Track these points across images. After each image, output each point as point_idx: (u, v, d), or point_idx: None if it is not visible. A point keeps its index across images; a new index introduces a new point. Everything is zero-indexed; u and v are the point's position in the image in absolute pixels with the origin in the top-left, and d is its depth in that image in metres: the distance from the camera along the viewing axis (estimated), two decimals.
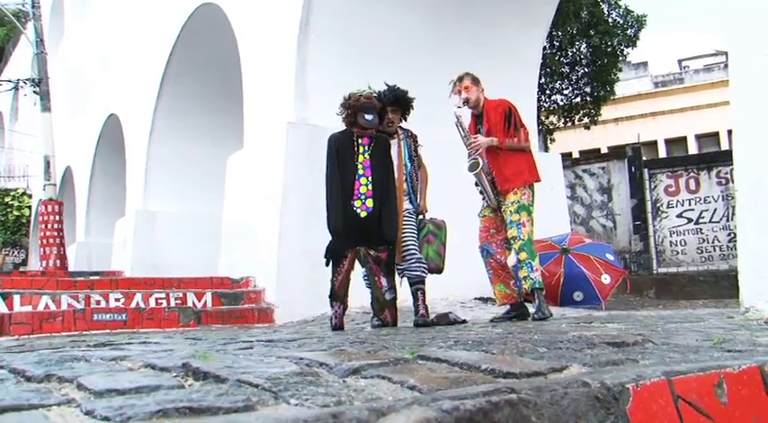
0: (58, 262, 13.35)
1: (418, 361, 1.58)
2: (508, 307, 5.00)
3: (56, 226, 13.53)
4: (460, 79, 5.02)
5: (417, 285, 4.87)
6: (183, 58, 11.74)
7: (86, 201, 17.00)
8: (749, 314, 3.28)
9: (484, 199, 5.03)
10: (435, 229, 5.02)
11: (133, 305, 6.44)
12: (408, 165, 5.04)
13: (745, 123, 3.57)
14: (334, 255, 4.68)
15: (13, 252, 24.32)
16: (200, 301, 7.03)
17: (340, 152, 4.72)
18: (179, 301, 6.83)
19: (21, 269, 20.89)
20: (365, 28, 8.19)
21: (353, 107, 4.72)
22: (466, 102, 4.97)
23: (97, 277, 10.04)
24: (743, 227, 3.50)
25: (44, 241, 13.70)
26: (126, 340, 3.77)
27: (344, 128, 4.87)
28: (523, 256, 4.71)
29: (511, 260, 4.86)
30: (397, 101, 5.02)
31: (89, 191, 16.86)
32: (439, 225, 5.05)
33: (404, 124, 5.25)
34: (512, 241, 4.76)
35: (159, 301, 6.68)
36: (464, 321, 4.92)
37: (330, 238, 4.72)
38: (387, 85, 5.06)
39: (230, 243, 8.81)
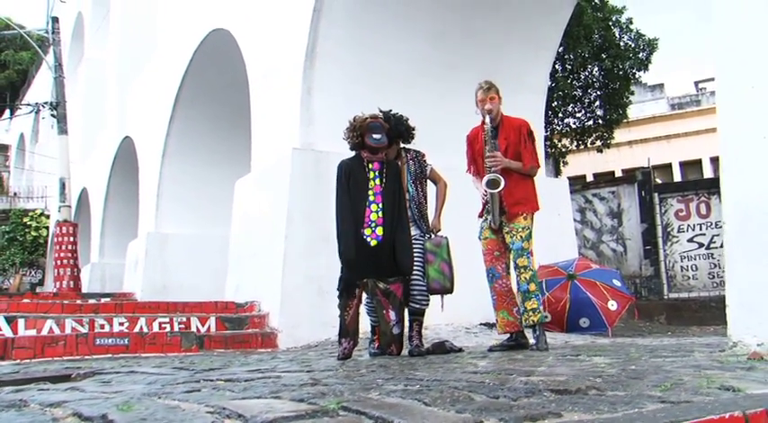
0: (71, 283, 13.52)
1: (339, 413, 1.61)
2: (508, 335, 4.91)
3: (70, 247, 13.72)
4: (488, 89, 4.85)
5: (416, 317, 4.81)
6: (195, 82, 11.93)
7: (101, 222, 17.23)
8: (737, 349, 3.25)
9: (485, 220, 4.92)
10: (434, 248, 4.85)
11: (137, 329, 6.49)
12: (411, 190, 4.95)
13: (731, 153, 3.56)
14: (348, 286, 4.55)
15: (31, 272, 24.63)
16: (203, 325, 7.07)
17: (350, 178, 4.62)
18: (183, 326, 6.88)
19: (37, 289, 21.14)
20: (370, 55, 8.28)
21: (360, 128, 4.65)
22: (489, 113, 4.80)
23: (108, 299, 10.17)
24: (731, 258, 3.47)
25: (58, 262, 13.89)
26: (119, 367, 3.82)
27: (353, 154, 4.79)
28: (533, 287, 4.64)
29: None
30: (394, 128, 4.87)
31: (104, 212, 17.09)
32: (438, 243, 4.89)
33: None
34: (521, 270, 4.64)
35: (163, 325, 6.73)
36: (460, 350, 4.89)
37: (342, 267, 4.59)
38: (381, 111, 4.94)
39: (237, 267, 8.87)
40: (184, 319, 6.95)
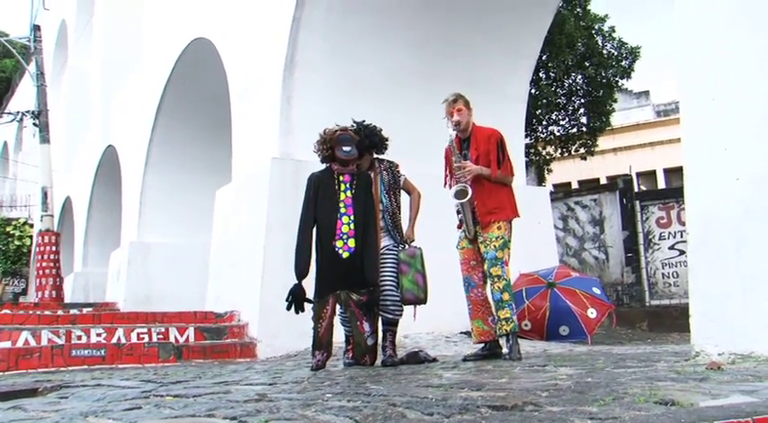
0: (53, 293, 13.44)
1: None
2: (482, 344, 4.93)
3: (52, 257, 13.65)
4: (455, 101, 4.93)
5: (389, 327, 4.84)
6: (177, 91, 11.94)
7: (84, 231, 17.17)
8: (699, 358, 3.30)
9: (462, 230, 4.94)
10: (408, 259, 4.85)
11: (114, 340, 6.48)
12: (384, 200, 4.96)
13: (694, 165, 3.63)
14: (298, 300, 4.51)
15: (14, 282, 24.46)
16: (182, 335, 7.07)
17: (320, 191, 4.65)
18: (161, 336, 6.87)
19: (20, 299, 21.01)
20: (349, 64, 8.33)
21: (330, 141, 4.67)
22: (457, 125, 4.86)
23: (90, 309, 10.14)
24: (693, 267, 3.52)
25: (40, 272, 13.81)
26: (90, 379, 3.83)
27: (325, 166, 4.82)
28: (506, 296, 4.66)
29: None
30: (367, 139, 4.91)
31: (87, 221, 17.04)
32: (412, 254, 4.88)
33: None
34: (494, 279, 4.66)
35: (141, 335, 6.72)
36: (434, 360, 4.92)
37: (315, 279, 4.61)
38: (354, 121, 4.99)
39: (217, 277, 8.88)
40: (163, 330, 6.95)
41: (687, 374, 2.72)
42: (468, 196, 4.67)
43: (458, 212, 4.92)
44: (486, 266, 4.77)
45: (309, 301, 4.58)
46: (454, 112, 4.89)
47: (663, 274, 12.73)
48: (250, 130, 8.90)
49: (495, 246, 4.71)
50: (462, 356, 5.05)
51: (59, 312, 8.67)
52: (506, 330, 4.66)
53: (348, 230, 4.55)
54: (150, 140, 12.53)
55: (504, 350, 4.83)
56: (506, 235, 4.78)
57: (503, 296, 4.67)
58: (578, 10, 15.75)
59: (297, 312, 4.58)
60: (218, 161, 11.45)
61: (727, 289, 3.34)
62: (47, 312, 8.35)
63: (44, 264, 13.72)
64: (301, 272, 4.53)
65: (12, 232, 24.89)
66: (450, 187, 5.08)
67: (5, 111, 22.23)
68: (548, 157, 17.23)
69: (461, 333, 7.90)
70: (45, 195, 14.33)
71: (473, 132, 4.93)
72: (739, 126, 3.48)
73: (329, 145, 4.69)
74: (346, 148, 4.65)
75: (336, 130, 4.71)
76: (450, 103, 4.93)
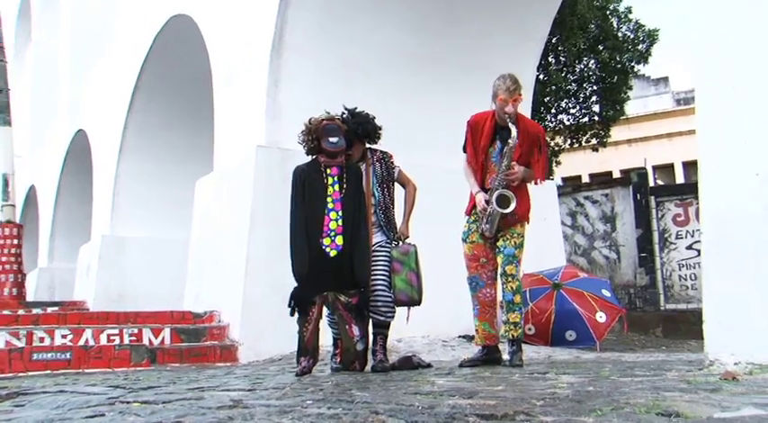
0: (14, 291, 13.38)
1: None
2: (481, 348, 4.95)
3: (13, 251, 13.56)
4: (515, 89, 4.58)
5: (380, 330, 4.87)
6: (155, 71, 11.93)
7: (51, 223, 17.15)
8: (713, 368, 3.33)
9: (474, 221, 4.88)
10: (402, 257, 4.86)
11: (81, 342, 6.50)
12: (377, 193, 4.97)
13: (710, 159, 3.65)
14: (300, 302, 4.56)
15: None
16: (157, 337, 7.10)
17: (306, 185, 4.66)
18: (134, 338, 6.91)
19: None
20: (343, 45, 8.34)
21: (316, 131, 4.67)
22: (509, 117, 4.60)
23: (56, 308, 10.14)
24: (708, 271, 3.56)
25: (0, 268, 13.74)
26: (52, 386, 3.85)
27: (311, 157, 4.82)
28: (518, 299, 4.72)
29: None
30: (359, 127, 4.92)
31: (54, 212, 17.01)
32: (405, 251, 4.89)
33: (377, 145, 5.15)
34: (508, 278, 4.70)
35: (112, 337, 6.74)
36: (428, 365, 4.97)
37: (297, 281, 4.60)
38: (346, 108, 5.01)
39: (196, 274, 8.90)
40: (136, 331, 6.98)
41: (698, 385, 2.77)
42: (511, 208, 4.60)
43: (483, 213, 4.78)
44: (500, 261, 4.78)
45: (314, 303, 4.58)
46: (511, 102, 4.58)
47: (679, 276, 12.80)
48: (234, 115, 8.92)
49: (515, 242, 4.74)
50: (459, 361, 5.09)
51: (20, 312, 8.69)
52: (513, 335, 4.71)
53: (336, 227, 4.56)
54: (125, 125, 12.53)
55: (505, 356, 4.88)
56: (524, 234, 4.82)
57: (515, 298, 4.72)
58: None
59: (300, 316, 4.61)
60: (199, 149, 11.46)
61: (744, 293, 3.38)
62: (5, 312, 8.36)
63: (4, 258, 13.61)
64: (300, 272, 4.55)
65: None
66: (470, 163, 4.91)
67: None
68: (556, 149, 17.25)
69: (459, 337, 7.96)
70: (6, 183, 14.20)
71: (517, 125, 4.68)
72: (761, 117, 3.50)
73: (314, 136, 4.70)
74: (333, 140, 4.65)
75: (323, 120, 4.71)
76: (509, 88, 4.58)
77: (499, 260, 4.79)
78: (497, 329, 4.91)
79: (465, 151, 4.99)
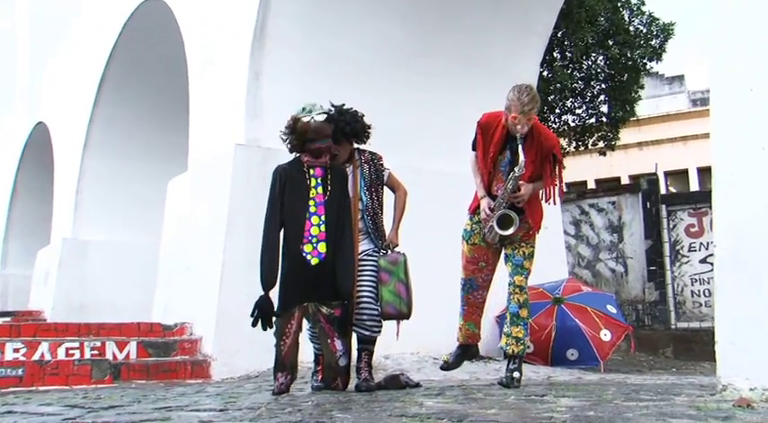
0: None
1: None
2: (457, 347, 5.13)
3: None
4: (531, 108, 4.54)
5: (365, 345, 4.89)
6: (124, 60, 11.93)
7: (5, 224, 17.09)
8: (726, 393, 3.34)
9: (477, 222, 4.88)
10: (390, 266, 4.86)
11: (36, 357, 6.47)
12: (364, 198, 4.98)
13: (725, 166, 3.68)
14: (266, 313, 4.55)
15: None
16: (121, 351, 7.09)
17: (287, 187, 4.68)
18: (96, 352, 6.88)
19: None
20: (329, 37, 8.37)
21: (300, 133, 4.70)
22: (521, 134, 4.59)
23: (7, 319, 10.07)
24: (721, 287, 3.57)
25: None
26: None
27: (293, 156, 4.84)
28: (524, 313, 4.77)
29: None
30: (347, 126, 4.92)
31: (9, 212, 16.96)
32: (394, 260, 4.89)
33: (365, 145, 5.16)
34: (517, 289, 4.74)
35: (71, 351, 6.72)
36: (417, 385, 5.00)
37: (279, 291, 4.61)
38: (332, 105, 5.01)
39: (167, 282, 8.90)
40: (98, 344, 6.96)
41: (709, 411, 2.80)
42: (512, 231, 4.64)
43: (485, 218, 4.80)
44: (509, 270, 4.82)
45: (278, 314, 4.60)
46: (525, 122, 4.56)
47: (692, 291, 12.84)
48: (211, 110, 8.93)
49: (524, 252, 4.78)
50: (453, 381, 5.14)
51: None
52: (514, 351, 4.75)
53: (318, 233, 4.58)
54: (90, 119, 12.50)
55: (500, 374, 4.93)
56: (535, 245, 4.87)
57: (521, 312, 4.76)
58: None
59: (264, 328, 4.63)
60: (172, 146, 11.45)
61: (760, 313, 3.38)
62: None
63: None
64: (268, 281, 4.58)
65: None
66: (480, 164, 4.91)
67: None
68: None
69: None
70: None
71: (531, 134, 4.69)
72: None
73: (298, 135, 4.72)
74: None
75: (308, 123, 4.69)
76: (523, 108, 4.53)
77: (508, 269, 4.85)
78: (480, 330, 5.04)
79: (474, 149, 5.03)
